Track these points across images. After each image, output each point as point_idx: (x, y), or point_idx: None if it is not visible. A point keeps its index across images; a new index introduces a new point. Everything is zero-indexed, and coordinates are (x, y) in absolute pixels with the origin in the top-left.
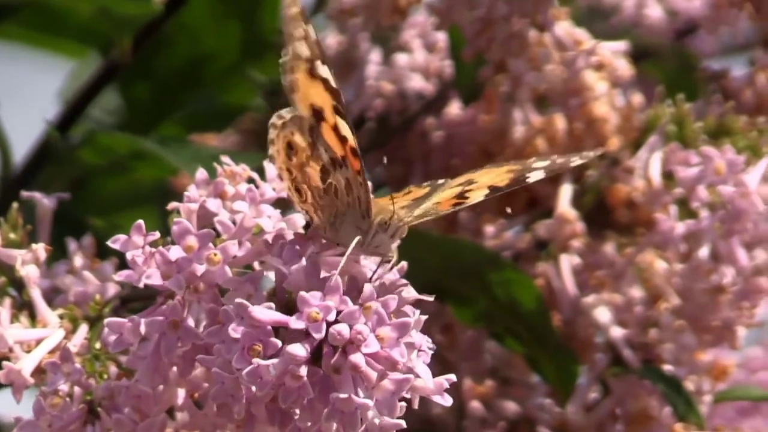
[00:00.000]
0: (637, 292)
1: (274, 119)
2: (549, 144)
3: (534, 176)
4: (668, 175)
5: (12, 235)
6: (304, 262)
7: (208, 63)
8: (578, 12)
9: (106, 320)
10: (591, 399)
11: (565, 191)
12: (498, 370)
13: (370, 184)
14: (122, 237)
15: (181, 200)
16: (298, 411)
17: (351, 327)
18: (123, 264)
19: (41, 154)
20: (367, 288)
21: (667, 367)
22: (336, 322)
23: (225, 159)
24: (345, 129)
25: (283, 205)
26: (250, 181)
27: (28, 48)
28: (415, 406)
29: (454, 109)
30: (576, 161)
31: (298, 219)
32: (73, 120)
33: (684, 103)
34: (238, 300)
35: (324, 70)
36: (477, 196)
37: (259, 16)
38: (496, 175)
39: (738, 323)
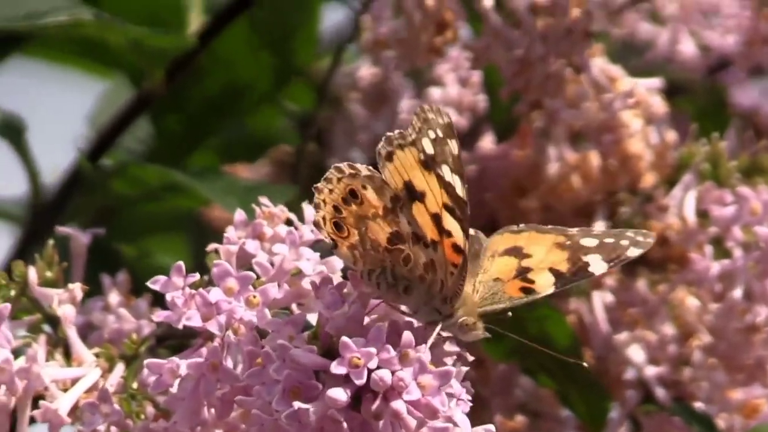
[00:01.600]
0: (669, 330)
1: (343, 165)
2: (583, 181)
3: (596, 268)
4: (702, 214)
5: (48, 273)
6: (346, 307)
7: (240, 93)
8: (612, 48)
9: (146, 361)
10: None
11: (599, 228)
12: (528, 405)
13: None
14: (162, 278)
15: (213, 231)
16: None
17: (393, 373)
18: (157, 299)
19: (72, 182)
20: (407, 335)
21: (698, 405)
22: (378, 368)
23: (263, 200)
24: (453, 227)
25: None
26: (288, 222)
27: (55, 67)
28: None
29: (487, 143)
30: (630, 248)
31: (337, 262)
32: (104, 149)
33: (719, 142)
34: (281, 342)
35: (452, 177)
36: (545, 284)
37: (292, 47)
38: (547, 250)
39: None
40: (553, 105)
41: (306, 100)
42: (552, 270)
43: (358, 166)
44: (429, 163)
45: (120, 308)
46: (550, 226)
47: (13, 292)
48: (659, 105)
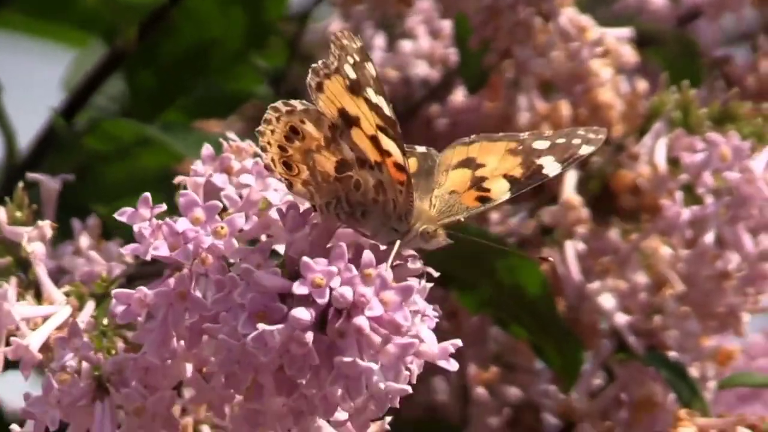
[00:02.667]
0: (641, 279)
1: (278, 104)
2: (554, 130)
3: (550, 170)
4: (673, 162)
5: (18, 214)
6: (307, 229)
7: (212, 50)
8: None
9: (114, 291)
10: (595, 385)
11: (570, 177)
12: (502, 356)
13: None
14: (129, 210)
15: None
16: (303, 381)
17: (354, 291)
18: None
19: (46, 142)
20: (367, 254)
21: (672, 353)
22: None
23: (231, 135)
24: (391, 146)
25: None
26: (256, 157)
27: (29, 36)
28: (417, 371)
29: (459, 96)
30: (582, 146)
31: None
32: (77, 108)
33: (689, 90)
34: (244, 265)
35: (377, 99)
36: (500, 191)
37: (264, 4)
38: (500, 158)
39: (743, 309)
40: (523, 54)
41: (277, 58)
42: (506, 176)
43: (293, 102)
44: (355, 88)
45: (90, 251)
46: (501, 134)
47: None
48: (629, 54)
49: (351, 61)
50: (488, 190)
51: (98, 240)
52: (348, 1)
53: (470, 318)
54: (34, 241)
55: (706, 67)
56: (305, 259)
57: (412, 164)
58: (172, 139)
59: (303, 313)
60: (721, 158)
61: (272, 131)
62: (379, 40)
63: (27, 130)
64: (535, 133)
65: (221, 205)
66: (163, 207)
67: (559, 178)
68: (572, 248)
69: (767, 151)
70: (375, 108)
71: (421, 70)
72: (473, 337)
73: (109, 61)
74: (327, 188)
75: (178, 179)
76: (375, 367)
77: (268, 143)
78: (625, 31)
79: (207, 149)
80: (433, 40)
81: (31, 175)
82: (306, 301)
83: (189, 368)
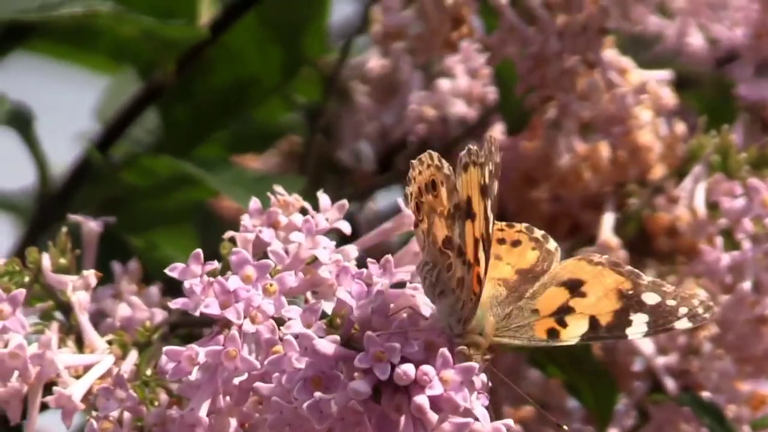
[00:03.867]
0: None
1: (433, 154)
2: (593, 172)
3: (633, 333)
4: (712, 206)
5: (62, 260)
6: (373, 297)
7: (249, 86)
8: (622, 40)
9: (165, 348)
10: (629, 426)
11: (608, 219)
12: (534, 396)
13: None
14: (179, 265)
15: (221, 222)
16: None
17: (417, 367)
18: (168, 288)
19: (80, 173)
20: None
21: (706, 395)
22: (401, 362)
23: (278, 189)
24: (483, 259)
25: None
26: (303, 211)
27: (58, 62)
28: None
29: (496, 134)
30: (681, 320)
31: (351, 250)
32: (113, 140)
33: (728, 133)
34: (303, 331)
35: (491, 214)
36: (573, 334)
37: (302, 40)
38: (604, 295)
39: None
40: (565, 98)
41: (314, 93)
42: (592, 319)
43: (444, 162)
44: (484, 192)
45: (132, 296)
46: (628, 268)
47: (26, 279)
48: (669, 97)
49: (491, 168)
50: (564, 326)
51: (139, 284)
52: (387, 38)
53: (504, 357)
54: (79, 290)
55: (741, 110)
56: (369, 333)
57: (532, 258)
58: (209, 175)
59: (362, 386)
60: (762, 204)
61: (420, 173)
62: (417, 78)
63: (53, 155)
64: (657, 284)
65: (272, 264)
66: (215, 264)
67: (597, 219)
68: None
69: None
70: (486, 219)
71: (459, 108)
72: (507, 376)
73: (145, 95)
74: (431, 252)
75: (228, 234)
76: None
77: (414, 179)
78: (665, 74)
79: (255, 203)
80: (471, 79)
81: (73, 217)
82: (360, 368)
83: (233, 423)
